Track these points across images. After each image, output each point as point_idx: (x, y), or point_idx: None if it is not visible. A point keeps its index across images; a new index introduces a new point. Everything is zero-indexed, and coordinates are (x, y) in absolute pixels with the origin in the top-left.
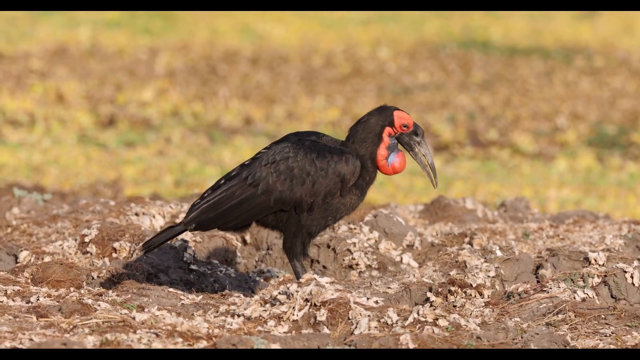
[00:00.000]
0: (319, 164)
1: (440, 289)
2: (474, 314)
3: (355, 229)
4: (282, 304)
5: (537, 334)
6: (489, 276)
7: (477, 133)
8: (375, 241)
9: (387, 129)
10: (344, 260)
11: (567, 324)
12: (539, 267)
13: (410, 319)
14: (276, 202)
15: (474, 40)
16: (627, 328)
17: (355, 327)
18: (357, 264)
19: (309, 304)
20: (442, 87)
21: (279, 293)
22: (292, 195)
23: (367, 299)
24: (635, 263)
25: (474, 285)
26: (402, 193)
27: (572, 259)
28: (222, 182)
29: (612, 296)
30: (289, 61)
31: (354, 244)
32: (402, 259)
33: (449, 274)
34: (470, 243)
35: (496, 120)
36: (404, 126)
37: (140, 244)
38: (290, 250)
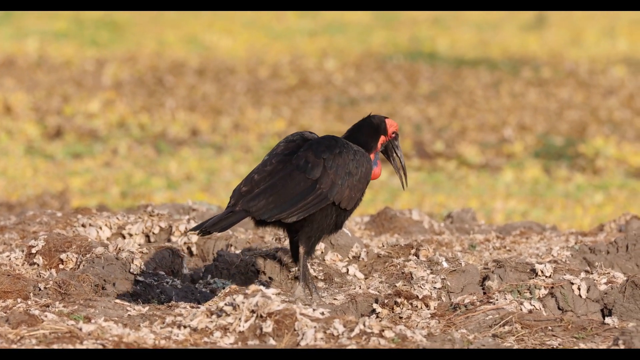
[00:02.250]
0: (361, 161)
1: (386, 301)
2: (420, 326)
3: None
4: (228, 315)
5: (484, 345)
6: (435, 287)
7: (424, 144)
8: (322, 252)
9: (382, 138)
10: (290, 271)
11: (513, 336)
12: (485, 278)
13: (357, 330)
14: (333, 195)
15: (420, 51)
16: (574, 340)
17: (302, 339)
18: None
19: (255, 315)
20: (388, 98)
21: (225, 304)
22: (344, 189)
23: (313, 310)
24: (582, 275)
25: (420, 296)
26: None
27: (519, 270)
28: (269, 170)
29: (559, 308)
30: (235, 72)
31: None
32: (348, 270)
33: (395, 286)
34: (416, 254)
35: (443, 131)
36: (393, 133)
37: (192, 227)
38: (311, 247)
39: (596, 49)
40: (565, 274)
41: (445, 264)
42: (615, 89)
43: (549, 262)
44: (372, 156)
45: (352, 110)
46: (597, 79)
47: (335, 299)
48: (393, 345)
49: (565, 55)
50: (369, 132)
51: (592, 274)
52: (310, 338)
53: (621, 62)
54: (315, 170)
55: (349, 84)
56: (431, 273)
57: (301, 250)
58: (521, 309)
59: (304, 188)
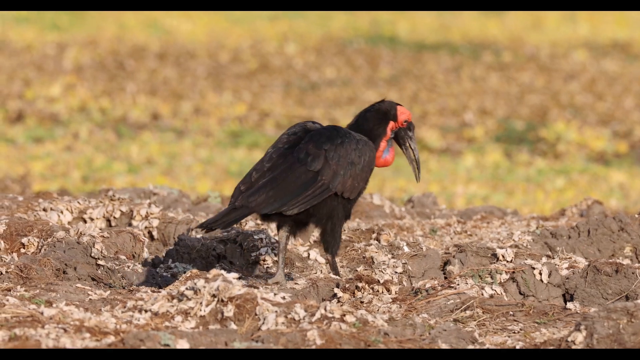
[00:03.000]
0: (364, 150)
1: (347, 285)
2: (382, 310)
3: (262, 224)
4: (189, 299)
5: (445, 330)
6: (396, 272)
7: None
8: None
9: (391, 124)
10: (251, 255)
11: (475, 320)
12: (446, 263)
13: (318, 315)
14: (335, 185)
15: (381, 35)
16: (536, 325)
17: (263, 323)
18: (264, 260)
19: (216, 299)
20: (349, 83)
21: (186, 288)
22: (347, 179)
23: (275, 294)
24: (544, 259)
25: (381, 281)
26: None
27: (480, 255)
28: (269, 165)
29: (520, 293)
30: (196, 57)
31: (261, 239)
32: (309, 254)
33: (357, 270)
34: (377, 239)
35: None
36: (405, 121)
37: (197, 225)
38: (332, 244)
39: (557, 33)
40: (526, 259)
41: (406, 249)
42: (577, 73)
43: (510, 246)
44: (383, 143)
45: (312, 95)
46: (558, 63)
47: (296, 283)
48: (354, 330)
49: (526, 40)
50: (375, 118)
51: (553, 258)
52: (272, 322)
53: (582, 46)
54: (317, 161)
55: (309, 68)
56: (392, 257)
57: (329, 256)
58: (482, 294)
59: (305, 180)
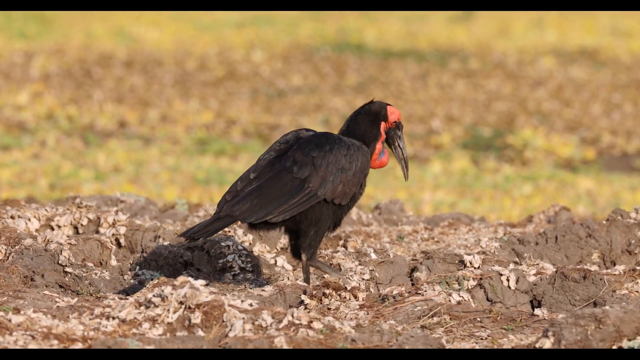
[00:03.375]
0: (355, 156)
1: (314, 292)
2: (349, 317)
3: (229, 231)
4: (156, 306)
5: (412, 336)
6: (363, 279)
7: None
8: (250, 244)
9: (383, 124)
10: (218, 262)
11: (442, 327)
12: (413, 269)
13: (285, 322)
14: (324, 192)
15: (348, 43)
16: (503, 331)
17: (230, 330)
18: (231, 267)
19: (183, 306)
20: (316, 90)
21: (154, 296)
22: (337, 186)
23: (242, 301)
24: (511, 266)
25: (348, 288)
26: None
27: (447, 261)
28: (255, 175)
29: (487, 299)
30: (163, 64)
31: (229, 246)
32: (276, 261)
33: (324, 277)
34: (344, 246)
35: None
36: (394, 122)
37: (180, 233)
38: (310, 248)
39: (524, 40)
40: (494, 265)
41: (373, 255)
42: (544, 79)
43: (478, 253)
44: (379, 145)
45: (279, 102)
46: (526, 70)
47: (263, 290)
48: (321, 337)
49: (493, 47)
50: (367, 120)
51: (521, 265)
52: (239, 329)
53: (550, 53)
54: (304, 169)
55: (276, 75)
56: (359, 264)
57: (303, 257)
58: (450, 300)
59: (292, 188)
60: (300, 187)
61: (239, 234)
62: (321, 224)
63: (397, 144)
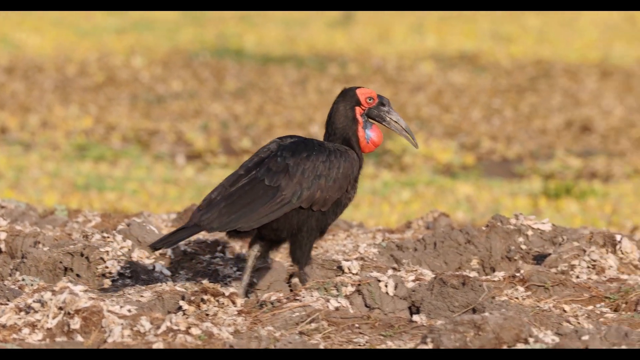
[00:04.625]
0: (336, 162)
1: (193, 298)
2: (227, 323)
3: (108, 237)
4: (36, 312)
5: (290, 342)
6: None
7: (231, 141)
8: (129, 250)
9: (358, 109)
10: (97, 268)
11: (320, 333)
12: (292, 275)
13: (163, 327)
14: (299, 199)
15: (227, 48)
16: (382, 337)
17: (109, 336)
18: (110, 273)
19: (62, 312)
20: (195, 96)
21: (34, 301)
22: (314, 192)
23: (120, 307)
24: (390, 272)
25: (226, 293)
26: (155, 202)
27: (326, 267)
28: (230, 183)
29: (366, 305)
30: (43, 70)
31: (107, 252)
32: (154, 267)
33: (202, 283)
34: (222, 252)
35: (249, 128)
36: (369, 99)
37: (148, 244)
38: (301, 258)
39: (404, 45)
40: (372, 271)
41: None
42: (423, 85)
43: (356, 259)
44: (361, 132)
45: (159, 108)
46: (405, 75)
47: (142, 296)
48: (200, 343)
49: (372, 52)
50: (342, 115)
51: (399, 271)
52: (117, 335)
53: (429, 58)
54: (277, 176)
55: (156, 81)
56: (238, 270)
57: (297, 268)
58: (328, 307)
59: (263, 196)
60: (272, 195)
61: (118, 239)
62: (304, 232)
63: (388, 119)
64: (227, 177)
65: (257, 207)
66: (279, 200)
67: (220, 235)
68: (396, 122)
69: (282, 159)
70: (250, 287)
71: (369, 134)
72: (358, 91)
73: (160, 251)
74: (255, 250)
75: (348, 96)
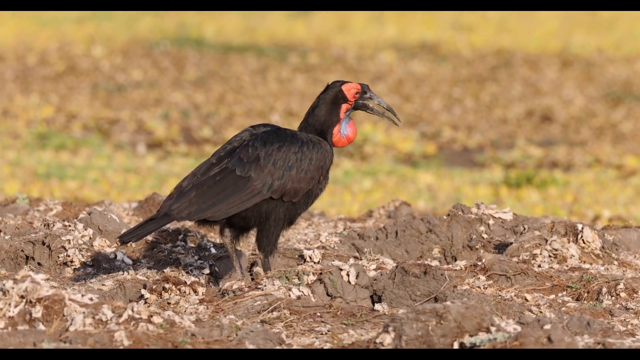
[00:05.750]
0: (308, 153)
1: (154, 286)
2: (189, 311)
3: (69, 226)
4: None
5: (252, 331)
6: (203, 273)
7: (191, 130)
8: (90, 238)
9: (344, 106)
10: (58, 257)
11: (282, 322)
12: (253, 264)
13: (125, 316)
14: (269, 190)
15: (187, 37)
16: (344, 326)
17: (71, 324)
18: (71, 261)
19: (24, 300)
20: (155, 85)
21: None
22: (285, 183)
23: (82, 295)
24: (351, 261)
25: (188, 282)
26: (116, 190)
27: (287, 256)
28: (201, 172)
29: (327, 294)
30: (4, 60)
31: (69, 241)
32: (116, 256)
33: (164, 271)
34: (184, 240)
35: (210, 117)
36: (356, 93)
37: (117, 237)
38: (267, 246)
39: (364, 34)
40: (334, 260)
41: (213, 250)
42: (384, 74)
43: (318, 248)
44: (336, 128)
45: (119, 97)
46: (365, 64)
47: (103, 284)
48: (161, 331)
49: (332, 41)
50: (326, 109)
51: (361, 260)
52: (79, 323)
53: (390, 47)
54: (248, 166)
55: (116, 70)
56: (199, 259)
57: (261, 255)
58: (290, 295)
59: (233, 185)
60: (243, 185)
61: (79, 228)
62: (272, 221)
63: (370, 106)
64: (198, 165)
65: (227, 197)
66: (250, 190)
67: (181, 224)
68: (379, 104)
69: (253, 149)
70: (212, 276)
71: (345, 130)
72: (344, 87)
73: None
74: (228, 235)
75: (334, 92)
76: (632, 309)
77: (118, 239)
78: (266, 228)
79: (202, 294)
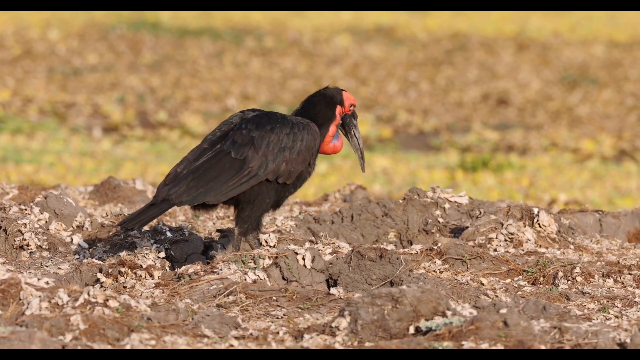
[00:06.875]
0: (299, 135)
1: (110, 270)
2: (145, 295)
3: (25, 209)
4: None
5: (208, 315)
6: (159, 257)
7: (147, 114)
8: (46, 222)
9: (339, 108)
10: (14, 241)
11: (238, 306)
12: (208, 248)
13: (81, 300)
14: (265, 171)
15: (144, 21)
16: (299, 310)
17: (27, 308)
18: (27, 245)
19: None
20: (111, 69)
21: None
22: (279, 164)
23: (38, 279)
24: (307, 245)
25: (144, 266)
26: (72, 174)
27: (243, 240)
28: (195, 157)
29: (283, 278)
30: None
31: (25, 224)
32: (72, 239)
33: (119, 255)
34: None
35: (166, 101)
36: (351, 106)
37: (118, 222)
38: (244, 225)
39: (320, 18)
40: (289, 244)
41: (169, 234)
42: (340, 58)
43: (273, 232)
44: (333, 127)
45: (75, 80)
46: (321, 48)
47: (59, 268)
48: (117, 315)
49: (288, 25)
50: (322, 102)
51: (316, 244)
52: (35, 307)
53: (345, 31)
54: (243, 149)
55: (72, 54)
56: (155, 243)
57: (236, 230)
58: (245, 279)
59: (231, 169)
60: (240, 167)
61: (36, 211)
62: (259, 201)
63: (353, 132)
64: (190, 150)
65: (224, 180)
66: (247, 172)
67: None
68: (357, 139)
69: (247, 131)
70: (168, 260)
71: (336, 138)
72: (344, 94)
73: (77, 223)
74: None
75: (335, 94)
76: (588, 293)
77: (120, 226)
78: (250, 207)
79: (158, 278)
